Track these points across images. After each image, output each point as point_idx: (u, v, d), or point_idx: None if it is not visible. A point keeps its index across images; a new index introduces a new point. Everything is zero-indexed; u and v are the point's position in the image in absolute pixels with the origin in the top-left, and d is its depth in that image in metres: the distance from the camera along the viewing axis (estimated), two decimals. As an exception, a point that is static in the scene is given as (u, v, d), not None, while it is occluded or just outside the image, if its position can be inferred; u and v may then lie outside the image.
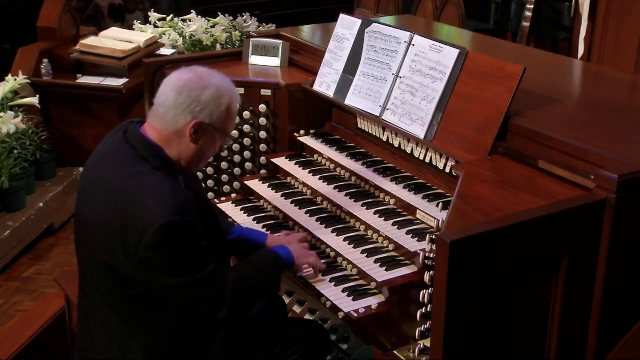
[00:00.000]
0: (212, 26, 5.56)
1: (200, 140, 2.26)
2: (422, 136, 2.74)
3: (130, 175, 2.17)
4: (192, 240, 2.15)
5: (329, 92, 3.19)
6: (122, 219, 2.11)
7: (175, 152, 2.26)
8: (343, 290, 2.51)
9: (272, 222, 3.00)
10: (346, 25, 3.19)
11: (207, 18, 5.65)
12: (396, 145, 3.02)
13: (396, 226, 2.67)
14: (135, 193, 2.12)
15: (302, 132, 3.38)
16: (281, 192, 3.11)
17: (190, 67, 2.28)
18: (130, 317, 2.24)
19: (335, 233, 2.76)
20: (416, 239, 2.58)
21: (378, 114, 2.93)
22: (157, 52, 5.40)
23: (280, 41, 3.62)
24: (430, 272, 2.18)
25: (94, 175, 2.27)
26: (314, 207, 2.96)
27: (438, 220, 2.40)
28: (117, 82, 5.12)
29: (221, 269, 2.26)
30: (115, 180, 2.17)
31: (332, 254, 2.71)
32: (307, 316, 2.85)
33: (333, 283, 2.55)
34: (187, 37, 5.50)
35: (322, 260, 2.64)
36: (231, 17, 5.71)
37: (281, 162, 3.28)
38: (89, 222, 2.23)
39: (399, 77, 2.89)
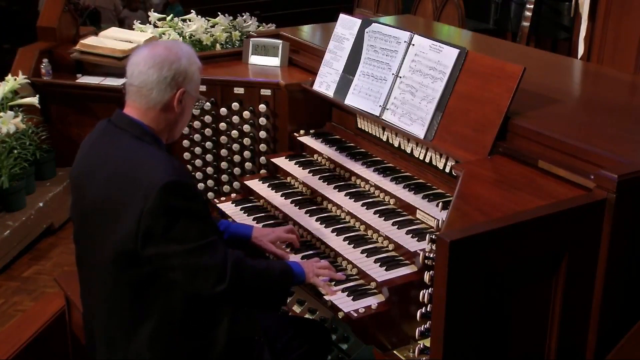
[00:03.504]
0: (212, 26, 5.55)
1: (181, 108, 2.34)
2: (422, 136, 2.74)
3: (127, 152, 2.25)
4: (193, 200, 2.21)
5: (329, 92, 3.19)
6: (124, 190, 2.17)
7: (163, 126, 2.34)
8: (343, 290, 2.51)
9: (272, 222, 3.00)
10: (346, 25, 3.19)
11: (207, 18, 5.65)
12: (396, 145, 3.03)
13: (396, 226, 2.67)
14: (134, 165, 2.20)
15: (302, 132, 3.38)
16: (281, 192, 3.11)
17: (151, 43, 2.37)
18: (137, 302, 2.25)
19: (335, 233, 2.76)
20: (416, 239, 2.58)
21: (378, 114, 2.93)
22: (157, 52, 5.38)
23: (280, 41, 3.62)
24: (430, 272, 2.18)
25: (90, 163, 2.32)
26: (314, 207, 2.96)
27: (438, 220, 2.40)
28: (117, 82, 5.11)
29: (222, 244, 2.29)
30: (113, 159, 2.25)
31: (332, 254, 2.71)
32: (307, 316, 2.85)
33: (333, 283, 2.55)
34: (187, 37, 5.50)
35: (322, 261, 2.65)
36: (231, 17, 5.70)
37: (281, 162, 3.28)
38: (91, 208, 2.27)
39: (399, 77, 2.89)
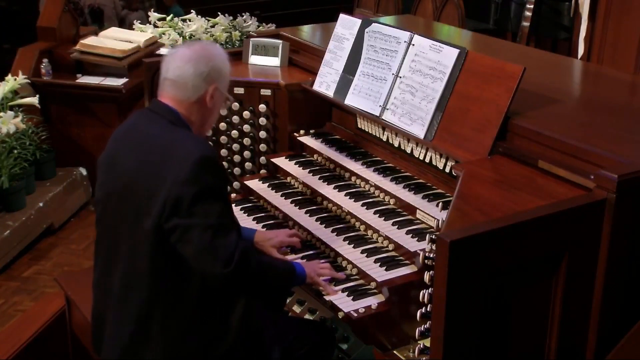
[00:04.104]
0: (212, 26, 5.56)
1: (212, 103, 2.45)
2: (422, 136, 2.74)
3: (162, 133, 2.35)
4: (223, 180, 2.34)
5: (329, 92, 3.19)
6: (159, 166, 2.25)
7: (195, 118, 2.43)
8: (343, 290, 2.51)
9: (272, 222, 3.00)
10: (346, 25, 3.19)
11: (207, 18, 5.65)
12: (396, 145, 3.03)
13: (396, 226, 2.67)
14: (169, 143, 2.30)
15: (302, 132, 3.38)
16: (281, 192, 3.11)
17: (191, 42, 2.52)
18: (155, 283, 2.29)
19: (336, 233, 2.76)
20: (416, 239, 2.58)
21: (378, 114, 2.93)
22: (157, 52, 5.39)
23: (280, 41, 3.62)
24: (430, 272, 2.18)
25: (125, 144, 2.40)
26: (314, 207, 2.96)
27: (438, 220, 2.40)
28: (117, 82, 5.11)
29: (236, 230, 2.34)
30: (149, 139, 2.36)
31: (332, 254, 2.71)
32: (307, 316, 2.85)
33: (333, 283, 2.55)
34: (187, 37, 5.50)
35: (322, 261, 2.65)
36: (231, 17, 5.71)
37: (281, 162, 3.28)
38: (123, 186, 2.33)
39: (399, 77, 2.89)
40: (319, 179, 3.07)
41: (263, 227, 2.94)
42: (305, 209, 2.95)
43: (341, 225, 2.81)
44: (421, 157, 2.90)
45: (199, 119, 2.44)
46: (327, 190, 2.97)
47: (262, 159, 3.42)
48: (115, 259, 2.36)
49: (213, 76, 2.40)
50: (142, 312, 2.31)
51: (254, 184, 3.24)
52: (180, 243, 2.23)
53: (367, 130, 3.20)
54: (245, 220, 3.01)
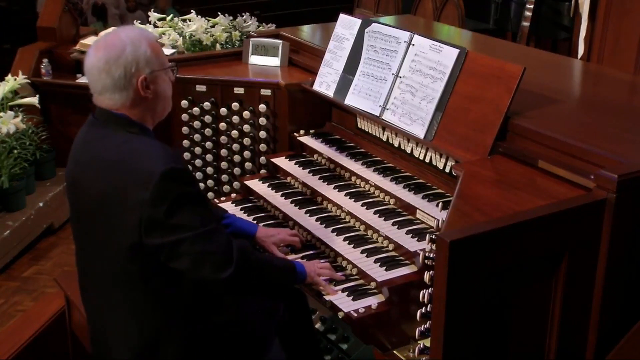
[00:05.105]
0: (212, 26, 5.55)
1: (152, 87, 2.31)
2: (422, 136, 2.74)
3: (119, 144, 2.25)
4: (192, 185, 2.25)
5: (329, 92, 3.19)
6: (122, 183, 2.17)
7: (143, 114, 2.33)
8: (343, 290, 2.51)
9: (272, 222, 3.00)
10: (346, 25, 3.19)
11: (207, 18, 5.64)
12: (396, 145, 3.03)
13: (396, 226, 2.67)
14: (128, 157, 2.21)
15: (302, 132, 3.38)
16: (281, 192, 3.11)
17: (95, 45, 2.30)
18: (147, 297, 2.27)
19: (335, 233, 2.76)
20: (416, 239, 2.58)
21: (378, 114, 2.93)
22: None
23: (280, 41, 3.62)
24: (430, 272, 2.18)
25: (84, 161, 2.31)
26: (314, 207, 2.96)
27: (438, 220, 2.40)
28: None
29: (224, 230, 2.32)
30: (107, 154, 2.25)
31: (332, 254, 2.71)
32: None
33: (333, 283, 2.55)
34: (187, 37, 5.50)
35: (322, 261, 2.65)
36: (231, 17, 5.70)
37: (281, 162, 3.28)
38: (90, 206, 2.27)
39: (399, 77, 2.88)
40: (319, 179, 3.07)
41: (263, 227, 2.94)
42: (305, 209, 2.95)
43: (341, 225, 2.81)
44: (421, 157, 2.90)
45: (148, 112, 2.33)
46: (327, 190, 2.98)
47: (262, 159, 3.42)
48: (98, 279, 2.34)
49: (132, 70, 2.25)
50: (143, 324, 2.29)
51: (254, 184, 3.24)
52: (173, 260, 2.20)
53: (367, 130, 3.20)
54: (245, 220, 3.01)
